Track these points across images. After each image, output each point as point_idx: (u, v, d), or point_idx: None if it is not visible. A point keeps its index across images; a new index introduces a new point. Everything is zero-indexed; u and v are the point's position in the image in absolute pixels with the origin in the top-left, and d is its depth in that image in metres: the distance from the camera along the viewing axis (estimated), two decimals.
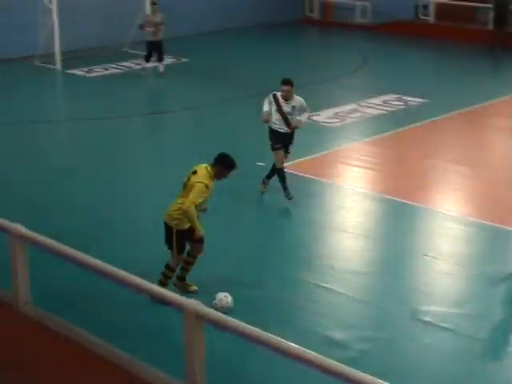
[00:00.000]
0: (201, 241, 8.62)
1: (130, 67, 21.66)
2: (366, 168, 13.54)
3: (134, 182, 12.75)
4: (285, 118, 11.33)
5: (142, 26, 20.28)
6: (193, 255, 8.78)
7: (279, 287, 9.14)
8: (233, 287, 8.64)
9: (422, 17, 28.48)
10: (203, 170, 8.47)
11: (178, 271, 8.81)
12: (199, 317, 5.25)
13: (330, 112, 16.90)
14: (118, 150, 14.42)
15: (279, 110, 11.29)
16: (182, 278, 8.85)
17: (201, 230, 8.46)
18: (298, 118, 11.56)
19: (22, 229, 6.23)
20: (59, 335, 6.02)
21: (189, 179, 8.47)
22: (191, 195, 8.29)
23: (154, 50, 20.29)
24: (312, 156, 13.86)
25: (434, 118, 16.52)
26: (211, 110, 17.18)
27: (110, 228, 10.76)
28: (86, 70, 21.13)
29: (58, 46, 21.26)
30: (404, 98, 18.29)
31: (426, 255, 10.02)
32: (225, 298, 8.28)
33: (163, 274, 8.67)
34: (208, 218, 8.90)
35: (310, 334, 8.01)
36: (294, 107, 11.35)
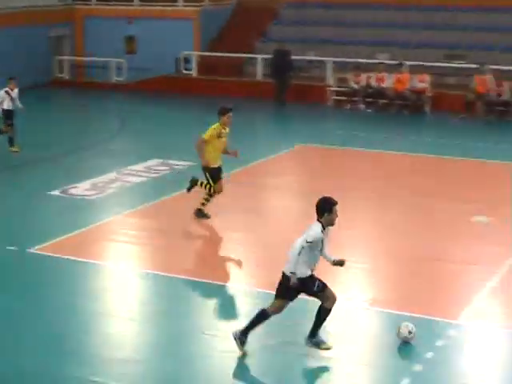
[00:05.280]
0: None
1: None
2: (130, 243, 13.14)
3: None
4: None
5: None
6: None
7: None
8: None
9: (184, 71, 28.95)
10: None
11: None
12: None
13: (88, 183, 16.43)
14: None
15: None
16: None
17: None
18: None
19: None
20: None
21: None
22: None
23: None
24: (69, 234, 13.25)
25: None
26: None
27: None
28: None
29: None
30: (169, 162, 18.26)
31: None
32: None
33: None
34: None
35: None
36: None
